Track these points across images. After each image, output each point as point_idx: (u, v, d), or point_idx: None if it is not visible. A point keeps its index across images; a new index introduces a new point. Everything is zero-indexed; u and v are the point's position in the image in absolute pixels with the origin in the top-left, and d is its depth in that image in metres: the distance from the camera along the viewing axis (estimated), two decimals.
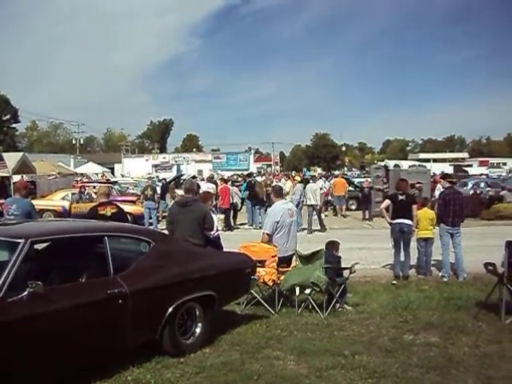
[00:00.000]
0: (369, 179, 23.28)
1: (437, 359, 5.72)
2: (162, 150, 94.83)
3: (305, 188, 18.41)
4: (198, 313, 6.02)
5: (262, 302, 7.69)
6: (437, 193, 17.66)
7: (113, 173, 56.39)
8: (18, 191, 9.04)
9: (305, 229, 17.70)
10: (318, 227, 18.13)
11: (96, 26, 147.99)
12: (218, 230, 8.19)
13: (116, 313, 5.13)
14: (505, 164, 63.52)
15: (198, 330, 6.03)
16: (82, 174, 41.75)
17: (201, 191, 11.35)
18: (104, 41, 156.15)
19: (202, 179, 25.40)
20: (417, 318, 7.34)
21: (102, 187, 9.48)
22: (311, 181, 20.77)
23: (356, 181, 27.35)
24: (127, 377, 5.14)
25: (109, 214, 7.94)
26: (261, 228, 11.94)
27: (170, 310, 5.58)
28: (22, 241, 4.69)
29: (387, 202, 10.72)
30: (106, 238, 5.39)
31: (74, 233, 5.60)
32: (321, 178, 24.11)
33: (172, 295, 5.65)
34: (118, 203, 10.34)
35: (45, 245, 5.51)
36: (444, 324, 7.02)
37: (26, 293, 4.37)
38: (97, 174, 43.44)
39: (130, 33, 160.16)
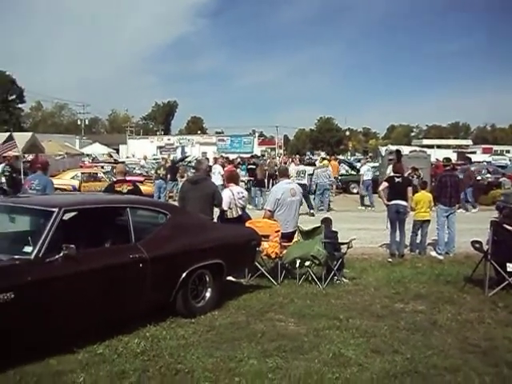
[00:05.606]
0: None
1: (422, 323, 6.39)
2: (167, 131, 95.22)
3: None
4: (208, 279, 6.65)
5: (266, 273, 8.28)
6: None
7: (118, 153, 56.97)
8: (40, 168, 9.69)
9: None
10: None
11: (101, 5, 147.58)
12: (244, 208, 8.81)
13: (137, 275, 5.75)
14: (508, 152, 63.65)
15: (208, 295, 6.66)
16: (88, 155, 42.45)
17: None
18: (109, 21, 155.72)
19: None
20: (408, 289, 8.01)
21: (119, 166, 10.12)
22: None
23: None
24: (145, 333, 5.76)
25: (125, 190, 8.53)
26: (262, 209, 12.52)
27: (184, 275, 6.18)
28: (56, 209, 5.31)
29: (384, 184, 11.30)
30: (128, 209, 6.03)
31: (101, 204, 6.27)
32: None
33: (185, 262, 6.27)
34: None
35: (75, 213, 6.13)
36: (432, 295, 7.70)
37: (61, 254, 5.00)
38: (103, 155, 44.07)
39: (134, 13, 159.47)
